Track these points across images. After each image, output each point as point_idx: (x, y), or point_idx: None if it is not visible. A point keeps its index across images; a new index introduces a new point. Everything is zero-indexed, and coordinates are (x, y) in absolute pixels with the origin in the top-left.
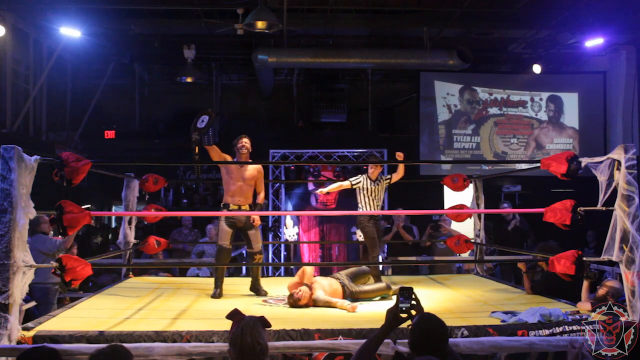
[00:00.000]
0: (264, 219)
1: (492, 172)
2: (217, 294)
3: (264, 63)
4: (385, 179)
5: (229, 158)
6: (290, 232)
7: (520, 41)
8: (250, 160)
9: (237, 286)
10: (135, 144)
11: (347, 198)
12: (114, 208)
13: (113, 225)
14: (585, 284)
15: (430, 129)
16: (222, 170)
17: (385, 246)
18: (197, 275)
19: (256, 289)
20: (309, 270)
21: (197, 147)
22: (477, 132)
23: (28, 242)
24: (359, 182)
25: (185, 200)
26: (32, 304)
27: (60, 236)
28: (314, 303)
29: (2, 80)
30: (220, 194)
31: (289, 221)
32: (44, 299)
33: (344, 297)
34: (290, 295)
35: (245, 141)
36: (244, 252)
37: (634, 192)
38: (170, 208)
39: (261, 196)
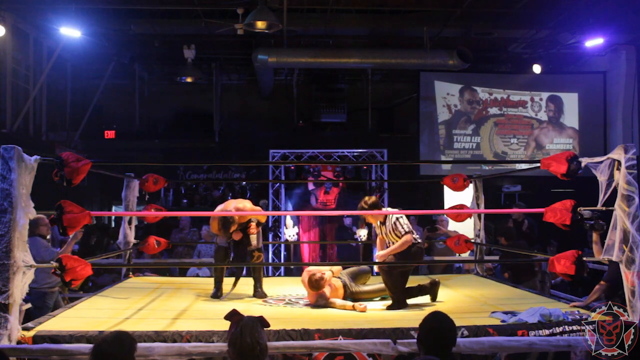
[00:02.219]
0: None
1: (492, 172)
2: (217, 294)
3: (264, 63)
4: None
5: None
6: (290, 232)
7: (520, 41)
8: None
9: (238, 286)
10: (135, 144)
11: (347, 198)
12: (114, 208)
13: (113, 225)
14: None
15: (430, 129)
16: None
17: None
18: (197, 275)
19: (255, 290)
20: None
21: None
22: (477, 132)
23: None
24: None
25: (185, 200)
26: (28, 305)
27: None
28: (317, 300)
29: (2, 80)
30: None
31: (288, 221)
32: (40, 303)
33: (345, 296)
34: (313, 274)
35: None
36: None
37: (634, 192)
38: (170, 208)
39: (252, 244)
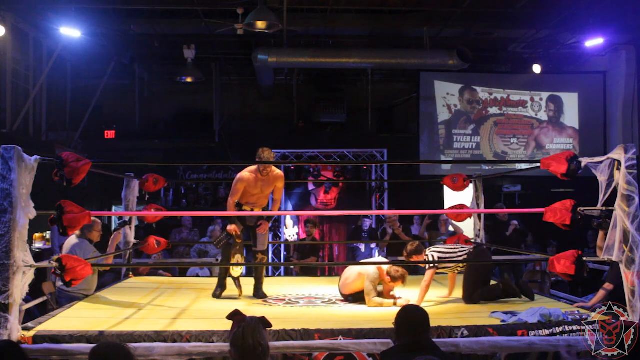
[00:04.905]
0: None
1: (492, 172)
2: (217, 293)
3: (264, 63)
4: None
5: (250, 176)
6: (290, 232)
7: (520, 41)
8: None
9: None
10: (135, 144)
11: (348, 197)
12: (114, 208)
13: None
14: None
15: (430, 129)
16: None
17: (385, 247)
18: (197, 275)
19: (256, 290)
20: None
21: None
22: (477, 132)
23: (74, 243)
24: None
25: (185, 200)
26: (33, 303)
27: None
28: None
29: (2, 80)
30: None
31: (288, 221)
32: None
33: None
34: (392, 268)
35: (270, 169)
36: None
37: (634, 192)
38: (170, 208)
39: (276, 206)
